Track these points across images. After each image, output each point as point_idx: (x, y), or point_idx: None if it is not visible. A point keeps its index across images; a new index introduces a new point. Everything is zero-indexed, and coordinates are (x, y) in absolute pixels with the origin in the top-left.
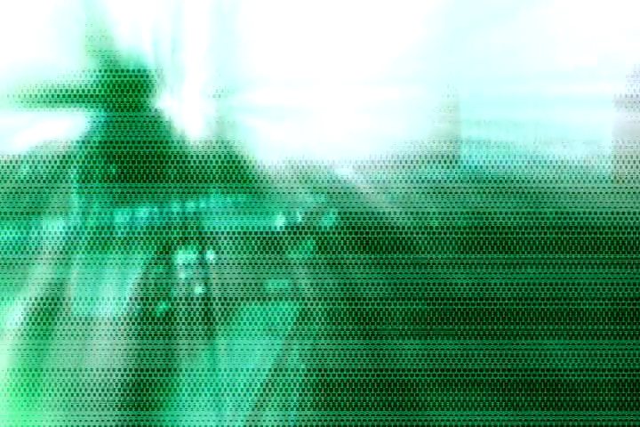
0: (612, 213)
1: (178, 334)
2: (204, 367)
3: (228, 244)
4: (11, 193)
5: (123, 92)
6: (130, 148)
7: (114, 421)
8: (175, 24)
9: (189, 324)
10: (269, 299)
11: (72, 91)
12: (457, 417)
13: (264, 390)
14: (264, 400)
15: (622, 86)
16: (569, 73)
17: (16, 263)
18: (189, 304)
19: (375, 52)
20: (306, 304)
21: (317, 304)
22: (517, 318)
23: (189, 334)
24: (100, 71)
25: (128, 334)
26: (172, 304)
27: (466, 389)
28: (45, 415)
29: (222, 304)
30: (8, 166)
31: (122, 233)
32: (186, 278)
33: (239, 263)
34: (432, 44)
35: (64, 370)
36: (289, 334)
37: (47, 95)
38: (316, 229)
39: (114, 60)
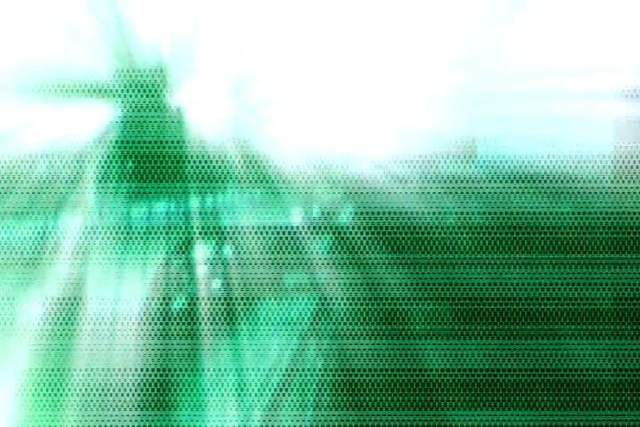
0: (612, 213)
1: (196, 334)
2: (221, 367)
3: (246, 241)
4: (29, 191)
5: (141, 88)
6: (147, 147)
7: (133, 420)
8: (193, 24)
9: (207, 323)
10: (290, 299)
11: (91, 87)
12: (461, 417)
13: (286, 389)
14: (286, 400)
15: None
16: (586, 69)
17: (33, 261)
18: (207, 302)
19: (391, 50)
20: (325, 304)
21: (336, 304)
22: (517, 318)
23: (208, 334)
24: (119, 69)
25: (146, 334)
26: (190, 302)
27: (464, 388)
28: (64, 415)
29: (241, 303)
30: (27, 163)
31: (139, 230)
32: (203, 276)
33: (259, 261)
34: (448, 42)
35: (79, 370)
36: (309, 334)
37: (65, 91)
38: (335, 226)
39: (133, 58)
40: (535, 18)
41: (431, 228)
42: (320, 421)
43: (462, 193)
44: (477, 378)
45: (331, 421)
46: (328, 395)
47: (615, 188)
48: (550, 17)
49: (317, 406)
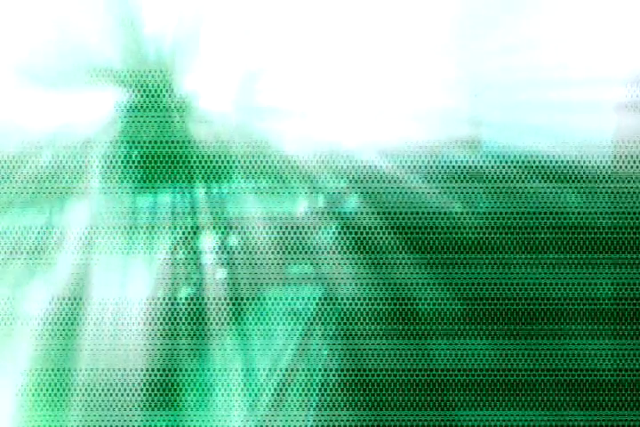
0: (612, 213)
1: (201, 333)
2: (226, 366)
3: (251, 232)
4: (32, 178)
5: (144, 86)
6: (148, 147)
7: (138, 421)
8: (197, 19)
9: (213, 321)
10: (295, 299)
11: (99, 76)
12: (462, 417)
13: (294, 389)
14: (294, 400)
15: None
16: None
17: (36, 254)
18: (212, 299)
19: (396, 42)
20: (331, 303)
21: (342, 303)
22: (515, 318)
23: (213, 333)
24: (125, 65)
25: (150, 334)
26: (194, 301)
27: (465, 388)
28: (64, 416)
29: (246, 301)
30: (30, 151)
31: (144, 219)
32: (208, 269)
33: (264, 260)
34: (453, 33)
35: (82, 369)
36: (316, 333)
37: (72, 79)
38: (340, 218)
39: (139, 53)
40: (539, 11)
41: (435, 228)
42: (325, 421)
43: (466, 193)
44: (478, 378)
45: (335, 421)
46: (333, 395)
47: (615, 187)
48: (555, 9)
49: (322, 406)
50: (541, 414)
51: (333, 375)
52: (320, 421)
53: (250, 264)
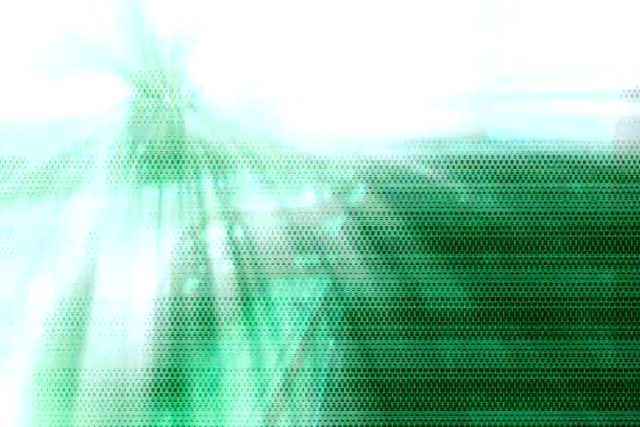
0: (612, 213)
1: (211, 334)
2: (232, 367)
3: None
4: (38, 173)
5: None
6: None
7: (149, 421)
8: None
9: (222, 323)
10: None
11: (105, 70)
12: (462, 417)
13: (303, 389)
14: (305, 400)
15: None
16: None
17: (45, 245)
18: (218, 303)
19: (407, 39)
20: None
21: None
22: (515, 318)
23: (223, 334)
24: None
25: (157, 333)
26: (201, 300)
27: (465, 389)
28: (70, 416)
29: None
30: (35, 148)
31: (151, 212)
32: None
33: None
34: (458, 26)
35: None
36: (323, 333)
37: (79, 72)
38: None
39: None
40: (540, 17)
41: (438, 227)
42: (329, 421)
43: (467, 193)
44: (483, 378)
45: (342, 421)
46: (340, 395)
47: (615, 188)
48: (558, 16)
49: (328, 406)
50: (544, 413)
51: (340, 375)
52: (327, 421)
53: (254, 263)
